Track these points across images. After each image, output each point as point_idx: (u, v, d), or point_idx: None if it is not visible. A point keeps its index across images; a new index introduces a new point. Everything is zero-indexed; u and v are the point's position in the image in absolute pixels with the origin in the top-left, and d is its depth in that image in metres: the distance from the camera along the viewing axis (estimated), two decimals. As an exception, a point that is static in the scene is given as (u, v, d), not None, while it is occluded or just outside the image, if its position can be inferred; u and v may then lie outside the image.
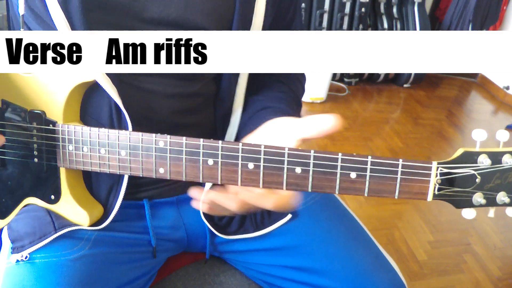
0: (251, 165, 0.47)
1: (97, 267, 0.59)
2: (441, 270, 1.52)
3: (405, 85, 2.93)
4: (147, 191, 0.64)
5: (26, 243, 0.57)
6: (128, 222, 0.64)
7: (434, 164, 0.44)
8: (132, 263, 0.64)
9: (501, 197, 0.44)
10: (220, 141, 0.47)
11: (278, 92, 0.65)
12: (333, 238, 0.66)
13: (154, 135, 0.49)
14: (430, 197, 0.45)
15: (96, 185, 0.60)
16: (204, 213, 0.65)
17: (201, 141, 0.48)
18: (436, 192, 0.44)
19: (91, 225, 0.59)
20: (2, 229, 0.63)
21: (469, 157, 0.44)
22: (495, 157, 0.43)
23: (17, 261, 0.56)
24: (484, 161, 0.43)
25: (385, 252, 0.68)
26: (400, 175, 0.44)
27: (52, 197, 0.58)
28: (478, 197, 0.44)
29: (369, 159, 0.44)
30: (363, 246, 0.66)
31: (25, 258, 0.56)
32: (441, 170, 0.44)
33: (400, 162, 0.44)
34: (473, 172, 0.44)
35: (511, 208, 0.45)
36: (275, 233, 0.67)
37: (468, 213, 0.45)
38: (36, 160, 0.56)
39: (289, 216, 0.66)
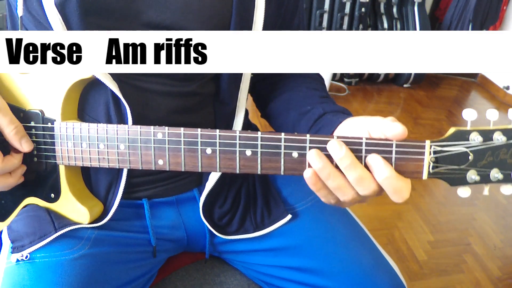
0: (248, 152, 0.48)
1: (97, 266, 0.59)
2: (441, 270, 1.52)
3: (405, 85, 2.93)
4: (146, 191, 0.64)
5: (26, 243, 0.57)
6: (128, 221, 0.64)
7: (427, 143, 0.45)
8: (132, 262, 0.64)
9: (494, 173, 0.45)
10: (217, 130, 0.48)
11: (318, 97, 0.65)
12: (333, 238, 0.66)
13: (152, 127, 0.50)
14: (425, 176, 0.45)
15: (95, 183, 0.60)
16: (204, 213, 0.65)
17: (198, 131, 0.48)
18: (431, 171, 0.45)
19: (91, 223, 0.59)
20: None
21: (461, 135, 0.44)
22: (486, 135, 0.44)
23: (17, 260, 0.56)
24: (475, 139, 0.44)
25: (384, 252, 0.68)
26: (395, 154, 0.45)
27: (52, 195, 0.58)
28: (472, 174, 0.45)
29: (364, 140, 0.45)
30: (362, 247, 0.66)
31: (25, 257, 0.56)
32: (434, 148, 0.45)
33: (394, 142, 0.45)
34: (465, 149, 0.44)
35: (505, 186, 0.46)
36: (275, 233, 0.67)
37: (463, 192, 0.46)
38: (35, 159, 0.56)
39: (289, 216, 0.66)
